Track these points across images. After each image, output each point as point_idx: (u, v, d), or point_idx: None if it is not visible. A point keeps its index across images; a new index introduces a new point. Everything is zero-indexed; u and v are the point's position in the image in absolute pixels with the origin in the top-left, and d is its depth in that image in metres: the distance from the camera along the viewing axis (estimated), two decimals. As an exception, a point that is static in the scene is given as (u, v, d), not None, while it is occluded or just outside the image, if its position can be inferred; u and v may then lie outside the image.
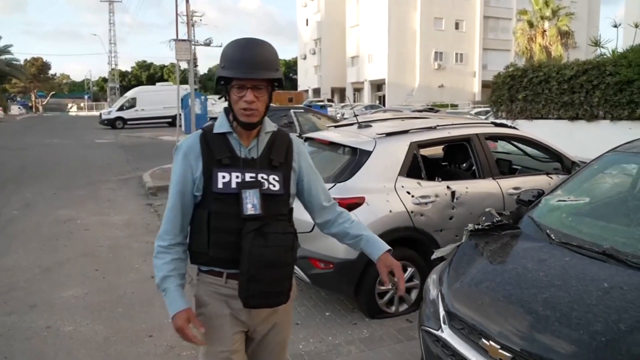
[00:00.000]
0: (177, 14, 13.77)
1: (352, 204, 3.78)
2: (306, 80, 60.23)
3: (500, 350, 2.18)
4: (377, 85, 49.73)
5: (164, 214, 1.88)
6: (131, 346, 3.69)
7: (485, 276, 2.66)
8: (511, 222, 3.11)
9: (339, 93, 56.02)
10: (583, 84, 8.42)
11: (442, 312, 2.60)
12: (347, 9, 53.27)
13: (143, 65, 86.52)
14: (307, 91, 56.16)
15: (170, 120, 30.52)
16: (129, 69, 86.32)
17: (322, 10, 55.52)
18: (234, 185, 1.78)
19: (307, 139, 4.91)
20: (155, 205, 8.48)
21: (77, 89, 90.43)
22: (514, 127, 5.27)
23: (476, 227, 3.04)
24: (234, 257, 1.77)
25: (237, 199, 1.77)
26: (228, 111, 1.85)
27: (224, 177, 1.78)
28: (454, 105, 39.27)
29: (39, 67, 70.81)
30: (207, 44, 17.17)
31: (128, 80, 78.20)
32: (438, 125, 4.55)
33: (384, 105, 39.82)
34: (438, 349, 2.54)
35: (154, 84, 47.92)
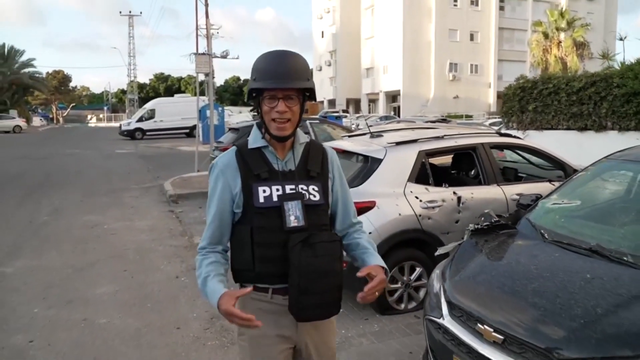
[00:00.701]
0: (197, 28, 14.22)
1: (364, 208, 4.09)
2: (321, 91, 60.77)
3: (493, 333, 2.45)
4: (392, 96, 50.04)
5: (205, 228, 1.88)
6: (161, 337, 4.03)
7: (483, 270, 2.95)
8: (509, 223, 3.39)
9: (354, 104, 56.47)
10: (591, 95, 8.65)
11: (443, 303, 2.89)
12: (362, 21, 53.84)
13: (161, 77, 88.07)
14: (322, 102, 56.69)
15: (187, 131, 31.22)
16: (147, 81, 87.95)
17: (337, 22, 56.18)
18: (275, 198, 1.77)
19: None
20: (177, 212, 8.86)
21: (96, 101, 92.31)
22: (518, 137, 5.53)
23: (476, 226, 3.33)
24: (280, 271, 1.76)
25: (279, 212, 1.76)
26: (260, 125, 1.84)
27: (264, 191, 1.77)
28: (468, 116, 39.39)
29: (60, 80, 72.64)
30: (224, 56, 17.58)
31: (146, 92, 79.68)
32: (445, 135, 4.85)
33: (398, 116, 40.09)
34: (440, 335, 2.82)
35: (171, 95, 48.83)
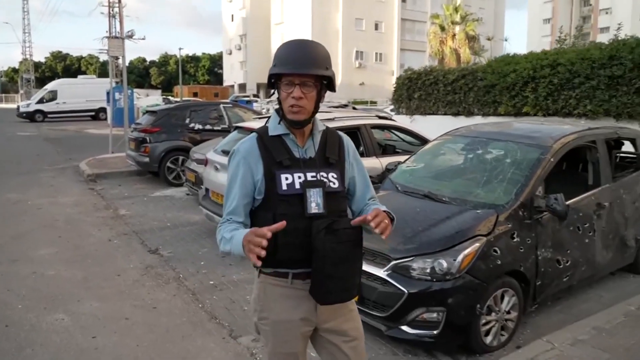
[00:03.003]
0: (109, 6, 14.34)
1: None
2: (232, 75, 60.74)
3: (357, 249, 3.69)
4: (302, 82, 51.34)
5: (224, 212, 1.91)
6: (105, 282, 4.90)
7: (354, 211, 4.19)
8: (377, 182, 4.68)
9: (265, 89, 57.12)
10: (462, 86, 10.37)
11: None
12: (272, 7, 54.53)
13: (58, 56, 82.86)
14: (232, 86, 56.78)
15: (93, 114, 30.42)
16: (43, 60, 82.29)
17: (247, 6, 56.32)
18: (297, 185, 1.81)
19: (236, 128, 6.27)
20: (98, 190, 9.41)
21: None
22: (392, 119, 6.92)
23: (352, 183, 4.57)
24: (301, 256, 1.80)
25: (301, 199, 1.80)
26: (278, 111, 1.88)
27: (287, 178, 1.81)
28: (373, 102, 41.69)
29: (-60, 56, 65.91)
30: (130, 36, 17.67)
31: (42, 72, 74.67)
32: (336, 117, 6.07)
33: (307, 101, 41.40)
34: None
35: (71, 76, 46.46)
